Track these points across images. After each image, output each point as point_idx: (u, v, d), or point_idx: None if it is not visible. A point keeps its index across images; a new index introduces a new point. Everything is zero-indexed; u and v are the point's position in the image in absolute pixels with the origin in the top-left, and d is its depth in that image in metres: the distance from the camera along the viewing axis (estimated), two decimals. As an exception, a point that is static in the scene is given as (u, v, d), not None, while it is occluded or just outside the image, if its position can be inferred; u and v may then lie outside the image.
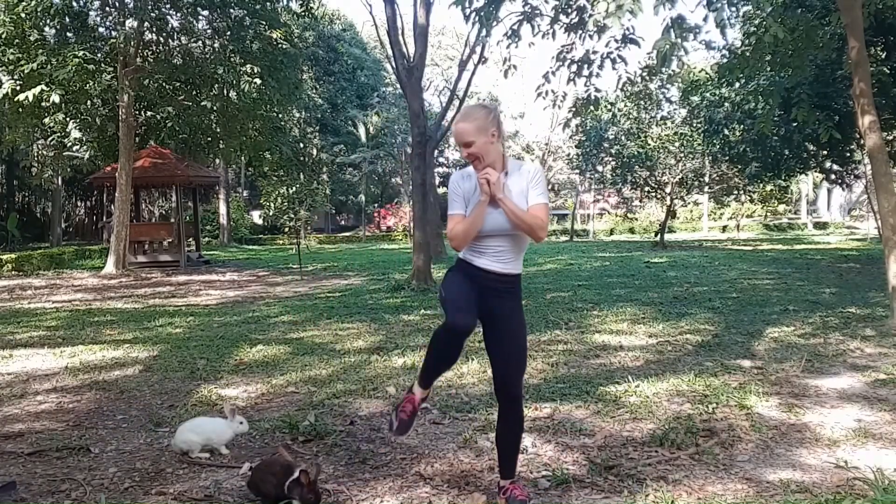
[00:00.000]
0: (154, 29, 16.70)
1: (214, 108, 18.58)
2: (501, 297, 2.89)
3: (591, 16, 6.59)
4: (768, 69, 10.68)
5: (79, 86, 15.47)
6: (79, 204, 41.64)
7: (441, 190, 39.88)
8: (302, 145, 23.34)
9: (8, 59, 14.78)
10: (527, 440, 3.81)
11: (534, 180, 2.85)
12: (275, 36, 17.33)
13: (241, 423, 3.75)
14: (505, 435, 3.02)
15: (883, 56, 12.45)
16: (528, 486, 3.17)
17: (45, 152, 20.78)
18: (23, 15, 14.38)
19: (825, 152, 15.60)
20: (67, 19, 15.79)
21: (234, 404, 4.09)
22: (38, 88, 14.08)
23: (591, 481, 3.25)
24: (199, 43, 18.06)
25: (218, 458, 3.67)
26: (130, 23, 16.57)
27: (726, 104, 16.42)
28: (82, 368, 5.91)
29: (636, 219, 40.70)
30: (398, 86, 22.00)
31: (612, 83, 13.33)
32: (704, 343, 6.39)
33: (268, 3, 16.92)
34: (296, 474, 2.93)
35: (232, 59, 17.00)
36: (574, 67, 7.99)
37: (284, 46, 17.69)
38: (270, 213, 19.23)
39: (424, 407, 4.49)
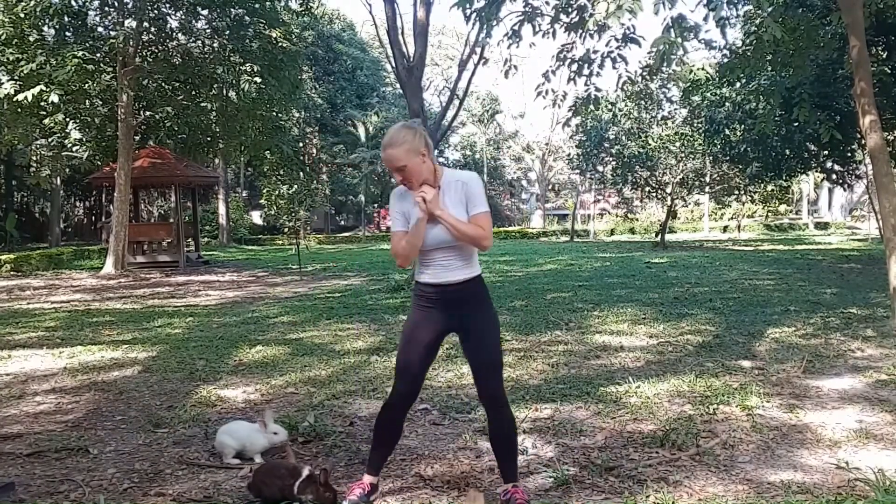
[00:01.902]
0: (153, 28, 16.69)
1: (214, 107, 18.56)
2: (462, 306, 2.91)
3: (591, 15, 6.57)
4: (769, 69, 10.66)
5: (78, 86, 15.45)
6: (77, 204, 41.67)
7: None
8: (301, 145, 23.32)
9: (7, 59, 14.76)
10: (527, 441, 3.80)
11: (470, 191, 2.85)
12: (274, 35, 17.31)
13: (276, 433, 3.62)
14: (498, 439, 3.01)
15: (884, 56, 12.44)
16: (530, 492, 3.16)
17: (43, 152, 20.75)
18: (22, 15, 14.35)
19: (826, 152, 15.59)
20: (66, 19, 15.78)
21: (269, 411, 3.82)
22: (38, 89, 14.07)
23: (592, 482, 3.24)
24: (199, 42, 18.05)
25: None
26: (129, 22, 16.56)
27: (727, 104, 16.40)
28: (81, 369, 5.89)
29: (637, 219, 40.68)
30: (398, 85, 21.98)
31: (613, 83, 13.31)
32: (705, 343, 6.37)
33: (267, 2, 16.89)
34: (305, 473, 2.92)
35: (231, 59, 16.99)
36: (574, 67, 7.96)
37: (284, 45, 17.67)
38: (271, 213, 19.22)
39: (424, 408, 4.49)
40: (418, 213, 2.82)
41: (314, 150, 38.23)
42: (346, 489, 3.06)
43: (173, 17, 17.25)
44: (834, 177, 18.11)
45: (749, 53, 9.61)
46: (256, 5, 16.67)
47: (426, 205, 2.76)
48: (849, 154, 16.00)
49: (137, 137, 18.47)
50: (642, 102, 24.12)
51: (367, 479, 3.07)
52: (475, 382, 3.03)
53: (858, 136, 12.43)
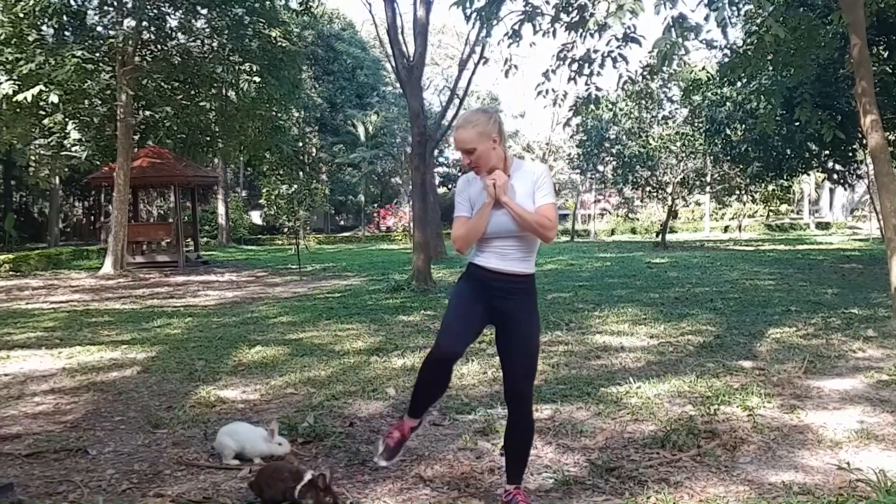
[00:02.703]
0: (152, 28, 16.67)
1: (213, 107, 18.54)
2: (510, 299, 2.84)
3: (591, 14, 6.56)
4: (770, 68, 10.65)
5: (77, 85, 15.43)
6: (76, 204, 41.66)
7: (441, 190, 39.83)
8: (301, 145, 23.31)
9: (6, 59, 14.75)
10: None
11: (539, 181, 2.81)
12: (274, 34, 17.30)
13: (281, 444, 3.56)
14: (514, 439, 2.96)
15: (885, 55, 12.43)
16: (531, 492, 3.14)
17: (42, 152, 20.72)
18: (21, 14, 14.34)
19: (827, 152, 15.57)
20: (65, 18, 15.75)
21: (276, 422, 3.74)
22: (37, 89, 14.05)
23: (593, 483, 3.23)
24: (198, 42, 18.04)
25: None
26: (129, 22, 16.54)
27: (728, 103, 16.40)
28: (80, 369, 5.88)
29: (637, 219, 40.69)
30: (398, 85, 21.98)
31: (613, 82, 13.30)
32: (706, 344, 6.36)
33: (267, 2, 16.88)
34: (307, 478, 2.91)
35: (231, 58, 16.97)
36: (575, 66, 7.95)
37: (284, 45, 17.65)
38: (271, 213, 19.21)
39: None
40: (485, 198, 2.77)
41: (314, 150, 38.22)
42: (385, 432, 3.04)
43: (173, 16, 17.24)
44: (835, 177, 18.09)
45: (750, 53, 9.60)
46: (256, 5, 16.66)
47: (495, 189, 2.72)
48: (850, 154, 15.99)
49: (136, 137, 18.46)
50: (643, 102, 24.11)
51: (409, 422, 3.01)
52: (505, 378, 2.94)
53: (860, 135, 12.41)
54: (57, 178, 29.67)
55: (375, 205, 45.60)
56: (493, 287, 2.83)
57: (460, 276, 2.99)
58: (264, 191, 19.42)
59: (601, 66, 7.80)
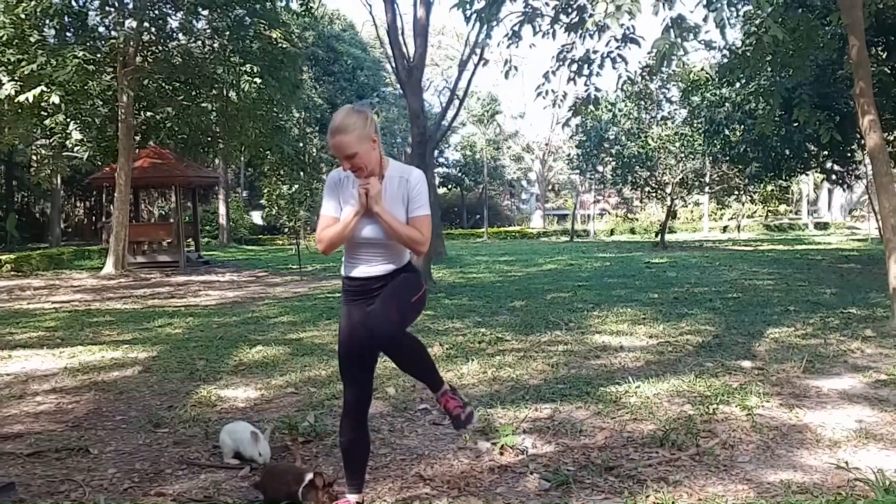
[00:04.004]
0: (154, 29, 16.69)
1: (214, 107, 18.56)
2: (379, 293, 2.73)
3: (590, 15, 6.59)
4: (769, 69, 10.68)
5: (78, 86, 15.45)
6: (78, 204, 41.67)
7: (441, 190, 39.85)
8: (302, 145, 23.32)
9: (8, 60, 14.77)
10: (527, 441, 3.80)
11: (415, 189, 2.68)
12: (274, 35, 17.32)
13: (260, 454, 3.52)
14: (406, 364, 2.89)
15: (884, 56, 12.45)
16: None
17: (43, 152, 20.76)
18: (22, 16, 14.36)
19: (826, 153, 15.61)
20: (67, 19, 15.78)
21: (269, 431, 3.77)
22: (39, 90, 14.07)
23: (592, 482, 3.24)
24: (199, 43, 18.06)
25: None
26: (130, 23, 16.57)
27: (727, 104, 16.41)
28: (81, 369, 5.90)
29: (636, 219, 40.71)
30: (398, 86, 22.00)
31: (613, 83, 13.31)
32: (705, 344, 6.38)
33: (268, 3, 16.90)
34: (308, 479, 2.93)
35: (232, 59, 16.99)
36: (574, 67, 7.98)
37: (284, 46, 17.68)
38: (272, 213, 19.21)
39: (424, 408, 4.49)
40: (355, 205, 2.66)
41: (314, 150, 38.26)
42: None
43: (174, 17, 17.25)
44: (833, 177, 18.13)
45: (749, 54, 9.63)
46: (257, 6, 16.68)
47: (367, 199, 2.61)
48: (848, 154, 16.02)
49: (138, 138, 18.48)
50: (642, 103, 24.15)
51: (353, 498, 2.91)
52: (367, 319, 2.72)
53: (858, 136, 12.43)
54: (58, 178, 29.69)
55: (375, 205, 45.51)
56: (364, 293, 2.75)
57: (342, 297, 2.89)
58: (265, 191, 19.43)
59: (600, 66, 7.83)
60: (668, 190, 24.94)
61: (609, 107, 23.13)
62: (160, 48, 17.70)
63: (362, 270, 2.76)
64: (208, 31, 17.94)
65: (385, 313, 2.64)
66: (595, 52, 7.86)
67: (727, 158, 19.26)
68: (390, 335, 2.66)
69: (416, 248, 2.70)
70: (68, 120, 16.94)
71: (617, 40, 7.59)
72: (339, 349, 2.93)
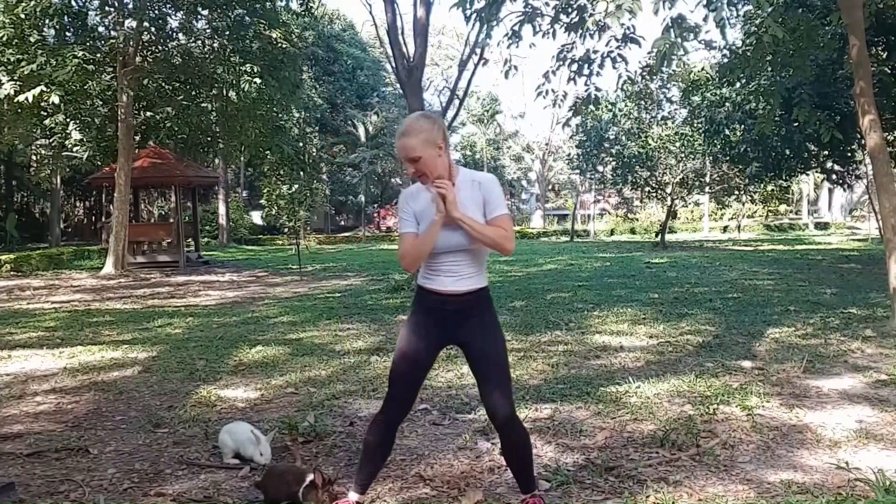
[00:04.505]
0: (153, 28, 16.69)
1: (214, 107, 18.56)
2: (467, 319, 2.69)
3: (591, 15, 6.58)
4: (769, 69, 10.67)
5: (78, 86, 15.46)
6: (77, 204, 41.69)
7: (441, 190, 39.60)
8: (302, 145, 23.34)
9: (7, 59, 14.78)
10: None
11: (491, 191, 2.67)
12: (274, 35, 17.33)
13: (262, 454, 3.52)
14: (511, 455, 2.84)
15: (884, 56, 12.45)
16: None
17: (43, 152, 20.78)
18: (22, 16, 14.36)
19: (826, 152, 15.60)
20: (67, 19, 15.79)
21: (271, 434, 3.75)
22: (38, 89, 14.08)
23: (592, 482, 3.24)
24: (199, 42, 18.06)
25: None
26: (130, 22, 16.57)
27: (727, 104, 16.41)
28: (81, 369, 5.89)
29: (637, 219, 40.72)
30: (398, 85, 21.98)
31: (613, 83, 13.32)
32: (705, 344, 6.37)
33: (267, 3, 16.90)
34: (308, 479, 2.93)
35: (231, 59, 17.00)
36: (574, 67, 7.98)
37: (284, 46, 17.68)
38: (272, 213, 19.21)
39: (424, 408, 4.49)
40: (433, 214, 2.60)
41: (314, 150, 38.25)
42: None
43: (173, 17, 17.27)
44: (834, 177, 18.13)
45: (749, 54, 9.63)
46: (257, 6, 16.69)
47: (445, 205, 2.55)
48: (849, 154, 16.02)
49: (137, 137, 18.48)
50: (642, 102, 24.14)
51: (354, 497, 2.88)
52: (485, 402, 2.77)
53: (858, 136, 12.43)
54: (58, 178, 29.70)
55: (376, 205, 45.61)
56: (448, 311, 2.69)
57: (411, 305, 2.83)
58: (265, 191, 19.42)
59: (601, 66, 7.82)
60: (669, 190, 24.95)
61: (609, 107, 23.12)
62: (160, 48, 17.71)
63: (444, 284, 2.68)
64: (208, 30, 17.95)
65: (502, 389, 2.72)
66: (595, 51, 7.86)
67: (727, 158, 19.26)
68: (510, 417, 2.74)
69: (505, 246, 2.63)
70: (68, 120, 16.95)
71: (617, 40, 7.58)
72: (396, 356, 2.81)
